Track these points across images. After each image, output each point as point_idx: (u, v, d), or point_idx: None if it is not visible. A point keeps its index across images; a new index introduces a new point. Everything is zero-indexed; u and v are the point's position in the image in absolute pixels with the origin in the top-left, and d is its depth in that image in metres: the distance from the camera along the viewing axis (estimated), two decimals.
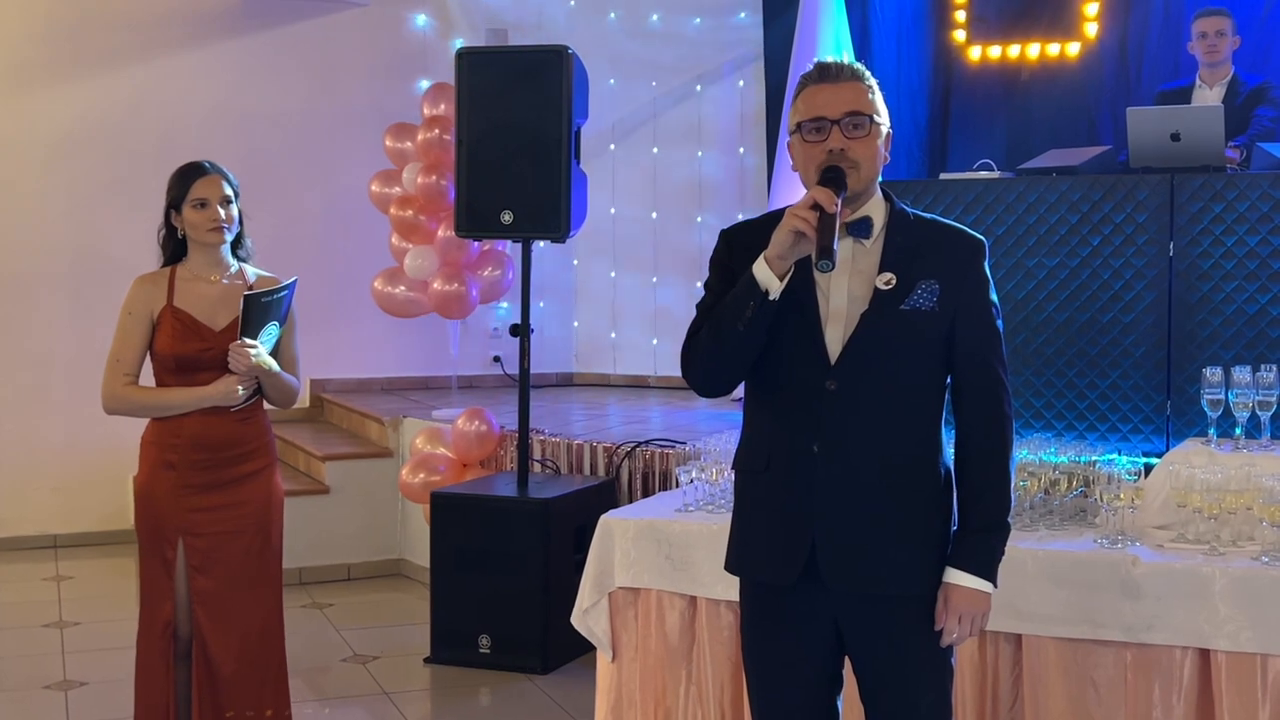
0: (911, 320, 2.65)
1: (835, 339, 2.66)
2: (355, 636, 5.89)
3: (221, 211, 3.76)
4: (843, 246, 2.67)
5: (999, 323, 2.75)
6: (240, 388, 3.73)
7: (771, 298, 2.58)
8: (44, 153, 7.68)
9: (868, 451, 2.65)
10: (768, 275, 2.58)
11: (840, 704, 2.82)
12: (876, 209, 2.73)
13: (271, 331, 3.77)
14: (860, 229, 2.69)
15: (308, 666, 5.42)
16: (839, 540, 2.66)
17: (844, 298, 2.68)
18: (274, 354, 3.79)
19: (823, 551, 2.66)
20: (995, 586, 2.71)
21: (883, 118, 2.70)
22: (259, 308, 3.70)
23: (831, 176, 2.60)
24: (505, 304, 7.92)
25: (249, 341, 3.69)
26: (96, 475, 7.54)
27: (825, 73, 2.68)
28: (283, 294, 3.78)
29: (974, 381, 2.71)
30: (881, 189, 2.75)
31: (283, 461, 7.72)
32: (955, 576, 2.68)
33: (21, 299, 7.62)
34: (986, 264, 2.76)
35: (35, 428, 7.61)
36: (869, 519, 2.65)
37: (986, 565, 2.69)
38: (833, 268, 2.52)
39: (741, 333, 2.61)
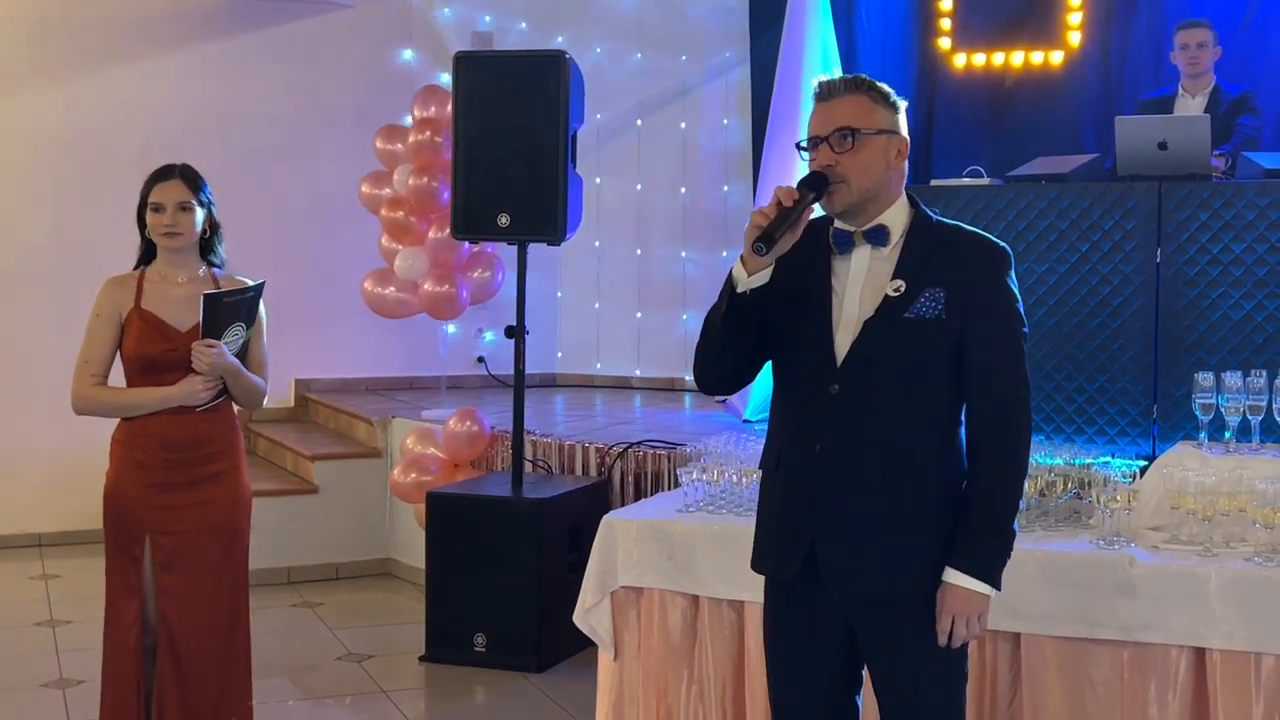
0: (916, 327, 2.69)
1: (844, 344, 2.73)
2: (348, 635, 5.90)
3: (174, 217, 3.79)
4: (859, 254, 2.76)
5: (1022, 331, 2.76)
6: (204, 388, 3.77)
7: (739, 290, 2.69)
8: (28, 153, 7.64)
9: (868, 454, 2.70)
10: (739, 270, 2.70)
11: (860, 702, 2.88)
12: (896, 216, 2.79)
13: (237, 333, 3.80)
14: (876, 236, 2.76)
15: (300, 664, 5.45)
16: (836, 539, 2.72)
17: (856, 304, 2.74)
18: (241, 355, 3.83)
19: (821, 549, 2.73)
20: (997, 590, 2.72)
21: (883, 127, 2.76)
22: (220, 308, 3.74)
23: (811, 178, 2.71)
24: (490, 301, 7.90)
25: (210, 341, 3.73)
26: (81, 474, 7.41)
27: (820, 91, 2.78)
28: (248, 295, 3.82)
29: (986, 393, 2.72)
30: (909, 195, 2.82)
31: (270, 461, 7.76)
32: (951, 575, 2.70)
33: (6, 299, 7.60)
34: (1009, 274, 2.77)
35: (19, 427, 7.58)
36: (866, 520, 2.71)
37: (984, 568, 2.70)
38: (766, 252, 2.62)
39: (720, 327, 2.73)
